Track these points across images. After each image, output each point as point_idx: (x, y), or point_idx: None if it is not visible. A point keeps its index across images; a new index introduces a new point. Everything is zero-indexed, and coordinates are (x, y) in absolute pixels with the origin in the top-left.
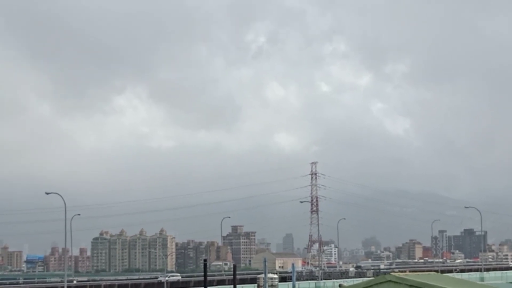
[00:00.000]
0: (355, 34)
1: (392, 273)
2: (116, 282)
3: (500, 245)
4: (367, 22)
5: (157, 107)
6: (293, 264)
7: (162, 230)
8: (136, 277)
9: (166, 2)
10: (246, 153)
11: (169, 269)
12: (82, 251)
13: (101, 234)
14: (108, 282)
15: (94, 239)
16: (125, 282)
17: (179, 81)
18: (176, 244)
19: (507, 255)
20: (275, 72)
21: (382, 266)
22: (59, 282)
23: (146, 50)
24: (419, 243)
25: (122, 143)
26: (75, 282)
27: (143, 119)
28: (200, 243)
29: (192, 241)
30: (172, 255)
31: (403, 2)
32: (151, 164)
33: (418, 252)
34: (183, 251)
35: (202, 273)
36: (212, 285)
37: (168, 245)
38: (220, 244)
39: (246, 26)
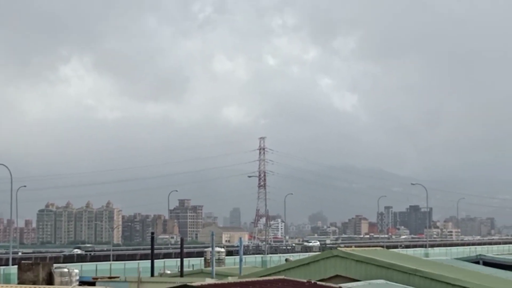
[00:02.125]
0: (306, 6)
1: (339, 248)
2: (62, 254)
3: (445, 221)
4: None
5: (104, 78)
6: (240, 238)
7: (108, 203)
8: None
9: None
10: (194, 126)
11: (115, 242)
12: (27, 222)
13: (47, 206)
14: (54, 254)
15: (39, 211)
16: (71, 253)
17: (127, 51)
18: (123, 217)
19: (451, 231)
20: (223, 44)
21: (328, 241)
22: (4, 254)
23: (93, 19)
24: (365, 218)
25: (68, 114)
26: (20, 254)
27: (89, 89)
28: (147, 216)
29: (138, 214)
30: (118, 228)
31: None
32: (97, 135)
33: (364, 228)
34: (129, 224)
35: (149, 246)
36: (159, 258)
37: (115, 218)
38: (167, 217)
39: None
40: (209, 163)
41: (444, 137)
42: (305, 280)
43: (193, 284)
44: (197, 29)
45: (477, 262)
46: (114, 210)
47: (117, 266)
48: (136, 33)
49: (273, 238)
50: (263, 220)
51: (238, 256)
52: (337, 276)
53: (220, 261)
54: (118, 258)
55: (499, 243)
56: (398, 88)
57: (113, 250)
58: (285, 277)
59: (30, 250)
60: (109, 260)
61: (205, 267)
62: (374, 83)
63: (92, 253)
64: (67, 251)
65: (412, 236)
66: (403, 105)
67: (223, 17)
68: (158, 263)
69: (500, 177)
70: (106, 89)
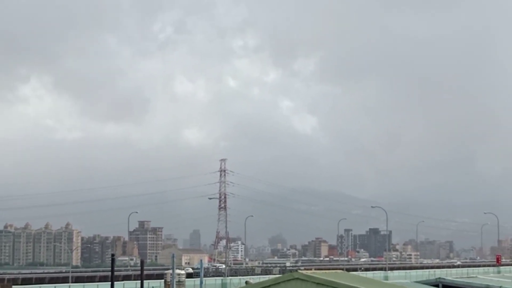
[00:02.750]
0: (267, 28)
1: (299, 271)
2: (20, 276)
3: (404, 244)
4: (279, 16)
5: (63, 98)
6: (201, 260)
7: (68, 224)
8: (41, 271)
9: None
10: (154, 147)
11: (74, 263)
12: None
13: (5, 227)
14: (12, 276)
15: None
16: (29, 276)
17: (86, 71)
18: (82, 239)
19: (410, 254)
20: (184, 65)
21: (288, 264)
22: None
23: (52, 39)
24: (325, 241)
25: (27, 134)
26: None
27: (48, 109)
28: (106, 238)
29: (98, 235)
30: (77, 250)
31: None
32: (57, 156)
33: (324, 251)
34: (89, 245)
35: (108, 268)
36: (118, 280)
37: (74, 239)
38: (126, 239)
39: (154, 16)
40: (170, 185)
41: (403, 159)
42: None
43: None
44: (157, 49)
45: (437, 285)
46: (73, 232)
47: None
48: (96, 53)
49: (233, 260)
50: (223, 242)
51: (199, 279)
52: None
53: (180, 284)
54: (77, 280)
55: (458, 266)
56: (357, 110)
57: (72, 272)
58: None
59: None
60: (68, 282)
61: None
62: (333, 105)
63: None
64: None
65: (372, 259)
66: (362, 127)
67: (183, 38)
68: (117, 285)
69: (459, 200)
70: (65, 109)
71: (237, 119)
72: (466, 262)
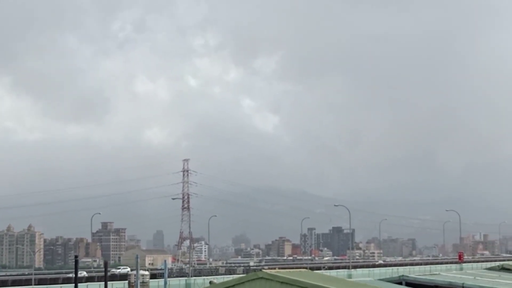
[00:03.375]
0: (228, 26)
1: (263, 270)
2: None
3: (367, 243)
4: (240, 14)
5: (23, 98)
6: (165, 261)
7: (30, 226)
8: (3, 273)
9: None
10: (116, 147)
11: (36, 265)
12: None
13: None
14: None
15: None
16: None
17: (47, 71)
18: (45, 240)
19: (373, 252)
20: (144, 64)
21: (251, 263)
22: None
23: (11, 38)
24: (288, 240)
25: None
26: None
27: (8, 110)
28: (69, 240)
29: (60, 237)
30: (40, 252)
31: None
32: (17, 157)
33: (288, 250)
34: (51, 247)
35: (71, 270)
36: (82, 282)
37: (36, 241)
38: (89, 240)
39: (115, 15)
40: (132, 186)
41: (366, 157)
42: None
43: None
44: (117, 48)
45: (400, 283)
46: (35, 234)
47: None
48: (56, 53)
49: (197, 260)
50: (187, 242)
51: (163, 279)
52: None
53: (144, 284)
54: (40, 282)
55: (421, 264)
56: (320, 108)
57: (34, 274)
58: None
59: None
60: (31, 284)
61: None
62: (295, 103)
63: None
64: None
65: (335, 257)
66: (325, 125)
67: (143, 36)
68: (81, 287)
69: (421, 198)
70: (25, 110)
71: (199, 118)
72: (428, 259)
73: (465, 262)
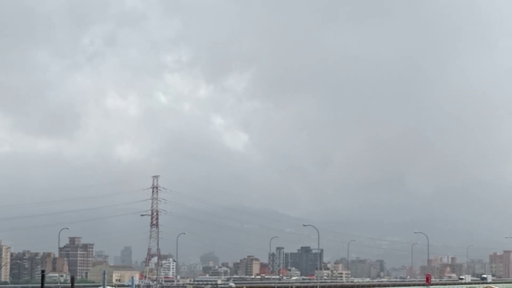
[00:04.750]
0: (200, 43)
1: None
2: None
3: (335, 263)
4: (215, 31)
5: None
6: (132, 277)
7: None
8: None
9: (3, 2)
10: (86, 163)
11: (2, 279)
12: None
13: None
14: None
15: None
16: None
17: (16, 85)
18: (11, 255)
19: (341, 273)
20: (115, 79)
21: (219, 282)
22: None
23: None
24: (256, 259)
25: None
26: None
27: None
28: (36, 254)
29: (28, 251)
30: (6, 266)
31: (251, 14)
32: None
33: (256, 268)
34: (18, 261)
35: (37, 285)
36: None
37: (3, 255)
38: (56, 255)
39: (85, 29)
40: (102, 202)
41: (336, 177)
42: None
43: None
44: (88, 63)
45: None
46: (2, 247)
47: None
48: (26, 66)
49: (165, 277)
50: (155, 259)
51: None
52: None
53: None
54: None
55: (388, 285)
56: (290, 127)
57: None
58: None
59: None
60: None
61: None
62: (266, 122)
63: None
64: None
65: (303, 277)
66: (295, 144)
67: (115, 51)
68: None
69: (390, 219)
70: None
71: (169, 135)
72: (396, 281)
73: (432, 284)
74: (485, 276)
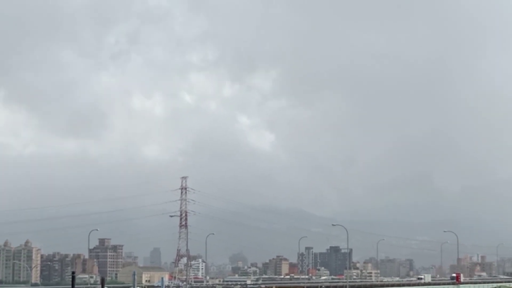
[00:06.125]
0: (227, 41)
1: None
2: None
3: (364, 262)
4: (241, 29)
5: (17, 112)
6: (162, 278)
7: (27, 242)
8: None
9: (29, 1)
10: (113, 163)
11: (33, 281)
12: None
13: None
14: None
15: None
16: None
17: (41, 84)
18: (42, 256)
19: (371, 272)
20: (140, 80)
21: (248, 282)
22: None
23: (5, 51)
24: (285, 259)
25: None
26: None
27: (2, 124)
28: (66, 256)
29: (58, 253)
30: (37, 267)
31: (277, 12)
32: (13, 172)
33: (285, 268)
34: (48, 263)
35: (68, 286)
36: None
37: (33, 257)
38: (86, 257)
39: (110, 28)
40: (129, 202)
41: (363, 177)
42: None
43: None
44: (112, 62)
45: None
46: (32, 249)
47: None
48: (51, 66)
49: (194, 278)
50: (184, 260)
51: None
52: None
53: None
54: None
55: (418, 285)
56: (316, 126)
57: None
58: None
59: None
60: None
61: None
62: (292, 121)
63: None
64: None
65: (332, 277)
66: (321, 144)
67: (139, 50)
68: None
69: (418, 219)
70: (20, 124)
71: (195, 134)
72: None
73: (462, 283)
74: None
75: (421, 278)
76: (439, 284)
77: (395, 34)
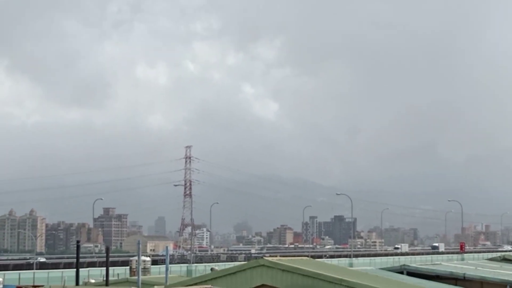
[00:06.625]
0: (231, 10)
1: (265, 258)
2: None
3: (368, 232)
4: (245, 0)
5: (21, 82)
6: (167, 247)
7: (32, 211)
8: (5, 258)
9: None
10: (117, 133)
11: (38, 250)
12: None
13: None
14: None
15: None
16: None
17: (45, 55)
18: (46, 225)
19: (375, 242)
20: (144, 48)
21: (253, 251)
22: None
23: (8, 21)
24: (290, 228)
25: None
26: None
27: (6, 94)
28: (71, 225)
29: (62, 222)
30: (42, 236)
31: None
32: (17, 142)
33: (289, 238)
34: (53, 232)
35: (72, 255)
36: (83, 267)
37: (38, 226)
38: (91, 226)
39: None
40: (134, 172)
41: (367, 147)
42: None
43: None
44: (115, 31)
45: (401, 272)
46: (37, 218)
47: (41, 275)
48: (54, 36)
49: (198, 247)
50: (188, 229)
51: (164, 265)
52: (263, 285)
53: (145, 270)
54: (42, 266)
55: (422, 254)
56: (321, 96)
57: (36, 259)
58: (211, 287)
59: None
60: (32, 269)
61: (130, 276)
62: (296, 91)
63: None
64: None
65: (337, 246)
66: (325, 113)
67: (143, 19)
68: (82, 272)
69: (423, 188)
70: (24, 94)
71: (199, 104)
72: (430, 249)
73: (466, 252)
74: None
75: (397, 248)
76: (443, 253)
77: (401, 3)
